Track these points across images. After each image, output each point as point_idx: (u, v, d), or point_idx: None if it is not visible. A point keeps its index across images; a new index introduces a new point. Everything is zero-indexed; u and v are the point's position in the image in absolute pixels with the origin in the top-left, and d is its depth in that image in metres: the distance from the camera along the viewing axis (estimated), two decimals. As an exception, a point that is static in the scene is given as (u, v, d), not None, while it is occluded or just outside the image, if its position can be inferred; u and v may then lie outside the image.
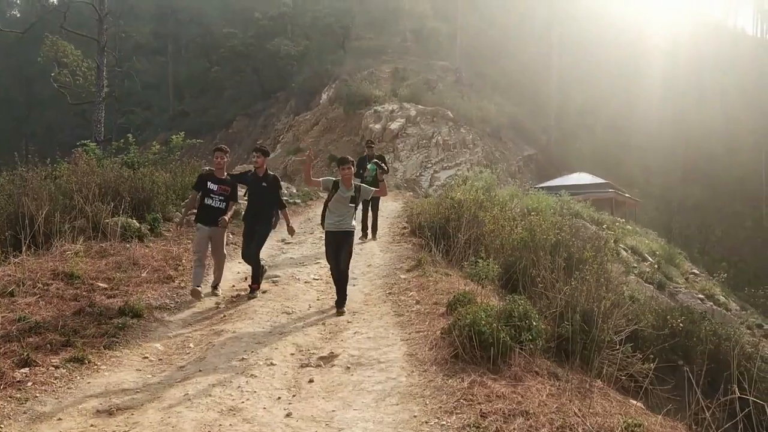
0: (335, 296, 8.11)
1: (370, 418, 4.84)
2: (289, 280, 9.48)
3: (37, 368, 5.40)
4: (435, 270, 9.50)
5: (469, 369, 5.50)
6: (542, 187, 26.02)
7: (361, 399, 5.23)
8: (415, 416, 4.82)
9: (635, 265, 17.71)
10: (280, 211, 8.73)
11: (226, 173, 8.55)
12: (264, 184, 8.48)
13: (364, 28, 45.36)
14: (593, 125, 43.80)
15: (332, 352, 6.31)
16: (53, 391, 5.13)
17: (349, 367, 5.95)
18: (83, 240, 9.47)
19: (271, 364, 5.96)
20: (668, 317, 8.90)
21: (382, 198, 12.71)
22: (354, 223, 8.16)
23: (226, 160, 8.49)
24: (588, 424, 4.64)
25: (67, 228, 9.52)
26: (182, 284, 8.75)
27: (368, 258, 11.21)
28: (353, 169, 8.13)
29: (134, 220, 10.98)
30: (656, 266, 19.01)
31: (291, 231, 8.71)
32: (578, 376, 5.95)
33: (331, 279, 8.29)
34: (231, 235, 10.80)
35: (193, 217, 8.77)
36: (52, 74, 27.12)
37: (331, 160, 26.29)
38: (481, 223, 11.30)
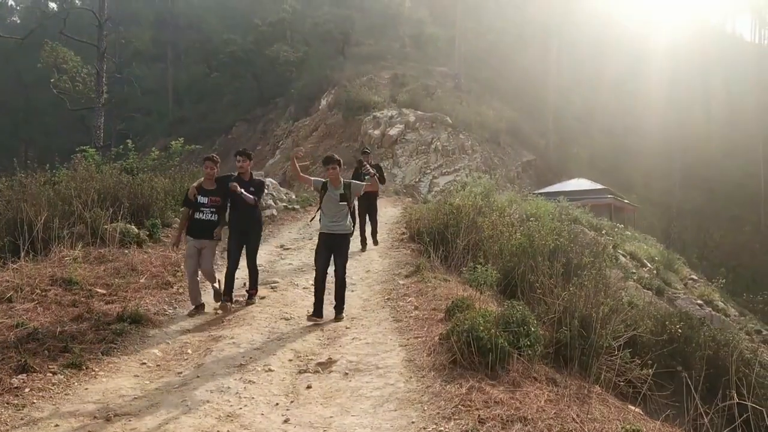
0: (333, 302, 7.97)
1: (368, 425, 4.84)
2: (287, 285, 9.49)
3: (34, 374, 5.40)
4: (434, 276, 9.51)
5: (467, 375, 5.50)
6: (541, 193, 26.05)
7: (359, 405, 5.23)
8: (413, 422, 4.82)
9: (634, 270, 17.70)
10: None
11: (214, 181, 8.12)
12: (251, 188, 8.15)
13: (364, 34, 45.45)
14: (591, 131, 43.90)
15: (330, 358, 6.31)
16: (51, 397, 5.13)
17: (347, 373, 5.95)
18: (82, 246, 9.47)
19: (269, 370, 5.96)
20: (666, 323, 8.91)
21: (380, 204, 12.65)
22: (349, 224, 7.93)
23: (216, 170, 8.08)
24: (586, 429, 4.64)
25: (65, 234, 9.54)
26: (181, 290, 8.75)
27: (367, 264, 11.21)
28: (339, 168, 7.83)
29: (133, 226, 11.00)
30: (655, 272, 19.01)
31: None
32: (576, 382, 5.95)
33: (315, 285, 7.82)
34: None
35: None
36: (52, 80, 27.12)
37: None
38: (479, 229, 11.31)
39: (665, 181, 42.35)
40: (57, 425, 4.62)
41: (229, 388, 5.42)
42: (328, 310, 7.95)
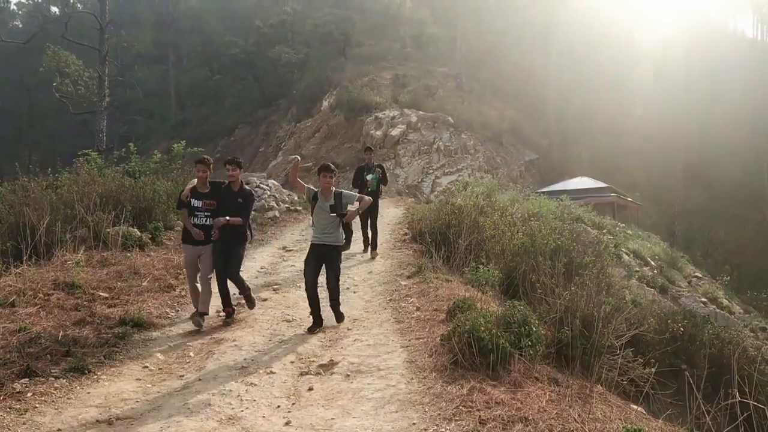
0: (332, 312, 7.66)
1: (369, 426, 4.84)
2: (289, 287, 9.49)
3: (37, 379, 5.42)
4: (435, 276, 9.50)
5: (469, 375, 5.50)
6: (544, 192, 26.03)
7: (361, 407, 5.23)
8: (414, 423, 4.82)
9: (637, 269, 17.67)
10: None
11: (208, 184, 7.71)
12: (240, 199, 7.65)
13: (365, 35, 45.43)
14: (593, 129, 43.81)
15: (332, 360, 6.32)
16: (53, 401, 5.14)
17: (348, 375, 5.95)
18: (84, 249, 9.48)
19: (271, 372, 5.97)
20: (669, 321, 8.89)
21: (382, 205, 12.53)
22: (341, 236, 7.64)
23: (209, 173, 7.67)
24: (587, 429, 4.64)
25: (68, 238, 9.55)
26: (183, 293, 8.76)
27: (369, 265, 11.21)
28: (333, 179, 7.55)
29: (135, 229, 11.02)
30: (658, 270, 18.97)
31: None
32: (578, 382, 5.94)
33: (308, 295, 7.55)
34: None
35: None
36: (54, 84, 27.19)
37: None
38: (481, 229, 11.30)
39: (668, 180, 42.22)
40: (59, 430, 4.64)
41: (230, 390, 5.43)
42: (328, 311, 7.82)
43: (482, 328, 5.72)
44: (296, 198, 18.66)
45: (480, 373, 5.54)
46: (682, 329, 8.71)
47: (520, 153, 34.76)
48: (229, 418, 4.91)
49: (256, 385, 5.63)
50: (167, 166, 16.03)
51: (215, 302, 7.85)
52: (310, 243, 7.72)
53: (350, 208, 7.52)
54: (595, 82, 47.42)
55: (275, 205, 16.84)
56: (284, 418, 5.03)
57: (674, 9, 63.82)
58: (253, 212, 8.39)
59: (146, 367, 6.14)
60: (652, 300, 13.36)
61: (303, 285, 9.25)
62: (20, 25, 69.37)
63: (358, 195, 7.82)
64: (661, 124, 44.69)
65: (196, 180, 7.72)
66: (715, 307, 17.17)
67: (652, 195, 39.82)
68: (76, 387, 5.48)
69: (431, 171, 28.21)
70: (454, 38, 40.49)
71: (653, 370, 6.76)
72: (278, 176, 28.53)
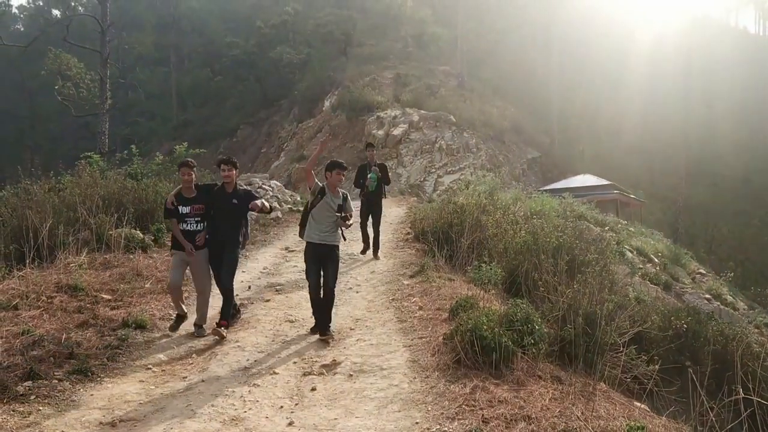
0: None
1: (372, 426, 4.84)
2: (292, 288, 9.48)
3: (40, 381, 5.43)
4: (438, 275, 9.48)
5: (471, 374, 5.49)
6: (546, 190, 25.99)
7: (364, 406, 5.23)
8: (417, 423, 4.82)
9: (641, 266, 17.62)
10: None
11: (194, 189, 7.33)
12: (234, 201, 7.22)
13: (366, 35, 45.46)
14: (595, 127, 43.79)
15: (335, 360, 6.31)
16: (56, 404, 5.15)
17: (351, 375, 5.95)
18: (87, 252, 9.50)
19: (274, 372, 5.97)
20: (673, 318, 8.86)
21: (385, 204, 12.46)
22: (339, 236, 7.38)
23: (193, 176, 7.31)
24: (591, 427, 4.62)
25: (71, 240, 9.56)
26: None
27: (371, 264, 11.20)
28: (344, 178, 7.38)
29: (138, 231, 11.03)
30: (661, 267, 18.92)
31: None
32: (581, 380, 5.93)
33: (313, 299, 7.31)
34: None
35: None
36: (56, 87, 27.28)
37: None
38: (484, 228, 11.29)
39: (670, 177, 42.13)
40: (63, 432, 4.65)
41: (233, 391, 5.44)
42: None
43: (485, 327, 5.72)
44: (299, 198, 18.67)
45: (483, 372, 5.54)
46: (685, 326, 8.68)
47: (522, 151, 34.74)
48: (233, 419, 4.92)
49: (259, 385, 5.64)
50: (169, 168, 16.03)
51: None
52: (306, 242, 7.34)
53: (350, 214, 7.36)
54: (596, 80, 47.38)
55: (278, 206, 16.85)
56: (287, 418, 5.03)
57: (675, 6, 63.79)
58: (254, 213, 8.14)
59: (149, 368, 6.15)
60: (655, 297, 13.33)
61: (305, 286, 9.24)
62: (22, 29, 69.61)
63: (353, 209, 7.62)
64: (664, 121, 44.63)
65: (180, 186, 7.43)
66: (719, 303, 17.11)
67: (655, 192, 39.76)
68: (79, 389, 5.48)
69: (433, 170, 28.21)
70: (456, 37, 40.48)
71: (657, 367, 6.73)
72: (281, 177, 28.58)
